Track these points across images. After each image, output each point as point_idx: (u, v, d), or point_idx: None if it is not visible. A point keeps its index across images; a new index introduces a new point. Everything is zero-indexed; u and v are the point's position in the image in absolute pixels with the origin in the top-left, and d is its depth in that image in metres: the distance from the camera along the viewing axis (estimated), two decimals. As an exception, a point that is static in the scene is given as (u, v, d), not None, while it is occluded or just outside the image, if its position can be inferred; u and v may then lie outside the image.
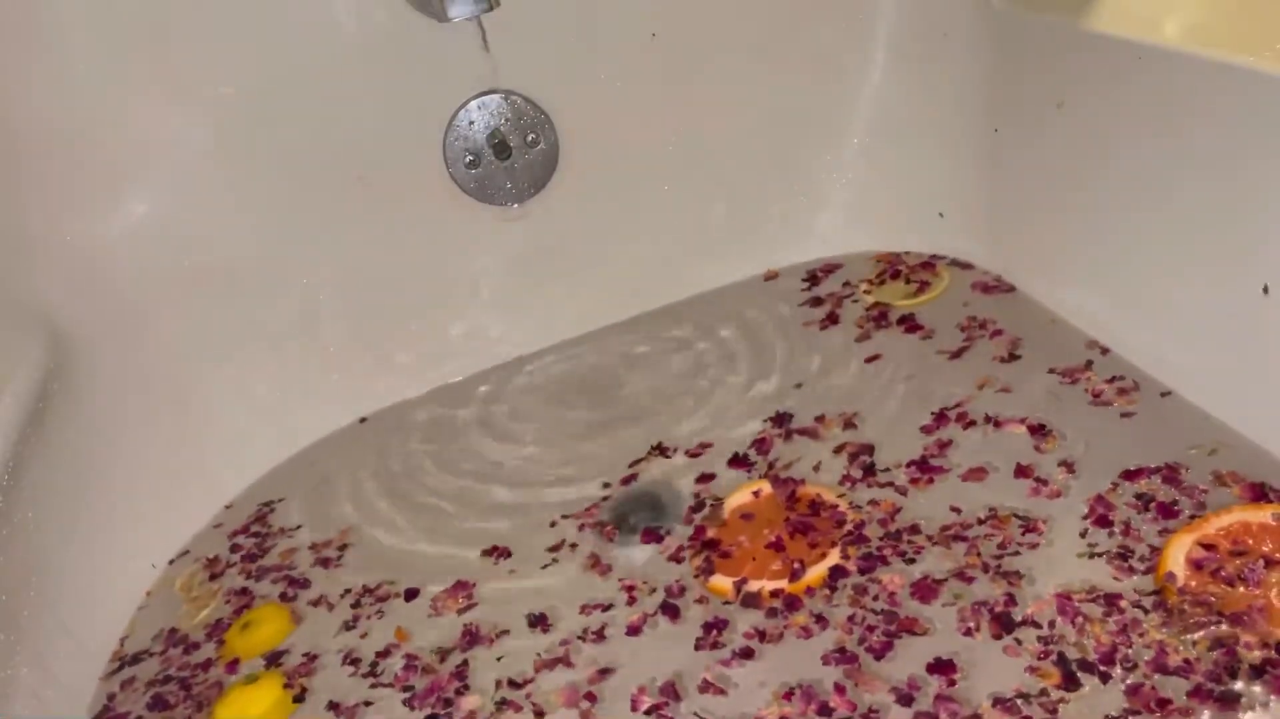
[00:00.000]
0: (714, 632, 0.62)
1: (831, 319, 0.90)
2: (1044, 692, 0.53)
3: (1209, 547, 0.59)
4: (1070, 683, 0.53)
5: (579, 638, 0.64)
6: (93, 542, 0.73)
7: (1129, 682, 0.53)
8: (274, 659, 0.68)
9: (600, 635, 0.64)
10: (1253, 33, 0.64)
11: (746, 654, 0.60)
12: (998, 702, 0.54)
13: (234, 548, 0.80)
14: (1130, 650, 0.54)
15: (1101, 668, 0.54)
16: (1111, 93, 0.73)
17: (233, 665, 0.68)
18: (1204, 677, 0.52)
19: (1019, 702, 0.53)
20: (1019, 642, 0.57)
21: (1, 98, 0.76)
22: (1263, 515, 0.60)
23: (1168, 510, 0.63)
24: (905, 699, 0.55)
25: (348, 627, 0.70)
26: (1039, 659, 0.55)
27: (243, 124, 0.84)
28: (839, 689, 0.56)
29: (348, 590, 0.73)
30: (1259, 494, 0.62)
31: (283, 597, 0.74)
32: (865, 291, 0.93)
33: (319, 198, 0.87)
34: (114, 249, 0.81)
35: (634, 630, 0.64)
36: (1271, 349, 0.64)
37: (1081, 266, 0.81)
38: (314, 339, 0.90)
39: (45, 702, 0.64)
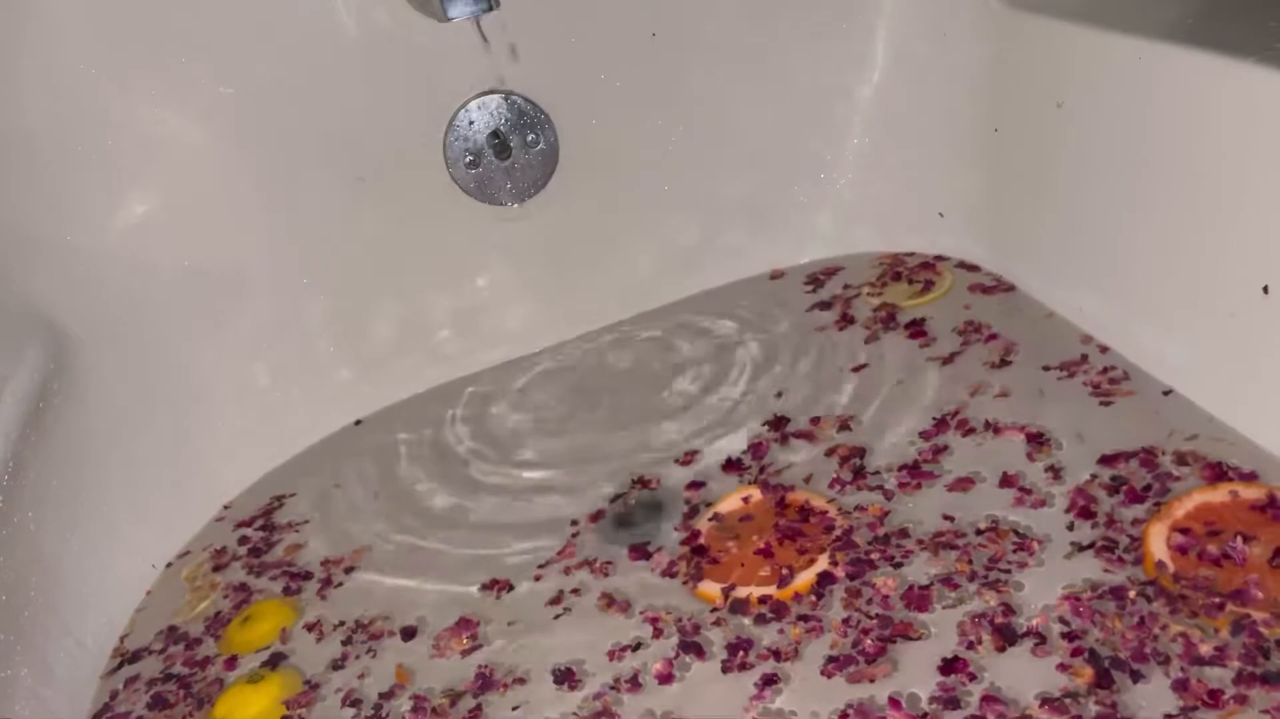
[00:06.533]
0: (740, 652, 0.60)
1: (844, 321, 0.90)
2: (1091, 689, 0.53)
3: (1184, 531, 0.60)
4: (1104, 680, 0.53)
5: (611, 688, 0.60)
6: (93, 542, 0.73)
7: (1173, 677, 0.53)
8: (276, 662, 0.68)
9: (635, 684, 0.60)
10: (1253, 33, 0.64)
11: (772, 680, 0.58)
12: (1045, 702, 0.53)
13: (242, 540, 0.81)
14: (1157, 645, 0.54)
15: (1134, 665, 0.54)
16: (1111, 93, 0.73)
17: (231, 662, 0.68)
18: (1241, 661, 0.52)
19: (1067, 700, 0.53)
20: (1043, 639, 0.56)
21: (1, 98, 0.76)
22: (1221, 494, 0.61)
23: (1136, 495, 0.64)
24: (951, 703, 0.54)
25: (337, 665, 0.67)
26: (1071, 657, 0.55)
27: (243, 124, 0.84)
28: (894, 703, 0.55)
29: (341, 623, 0.70)
30: (1218, 474, 0.64)
31: (285, 591, 0.74)
32: (870, 295, 0.93)
33: (319, 198, 0.87)
34: (114, 249, 0.81)
35: (665, 678, 0.60)
36: (1272, 349, 0.64)
37: (1081, 266, 0.81)
38: (313, 339, 0.90)
39: (45, 702, 0.64)
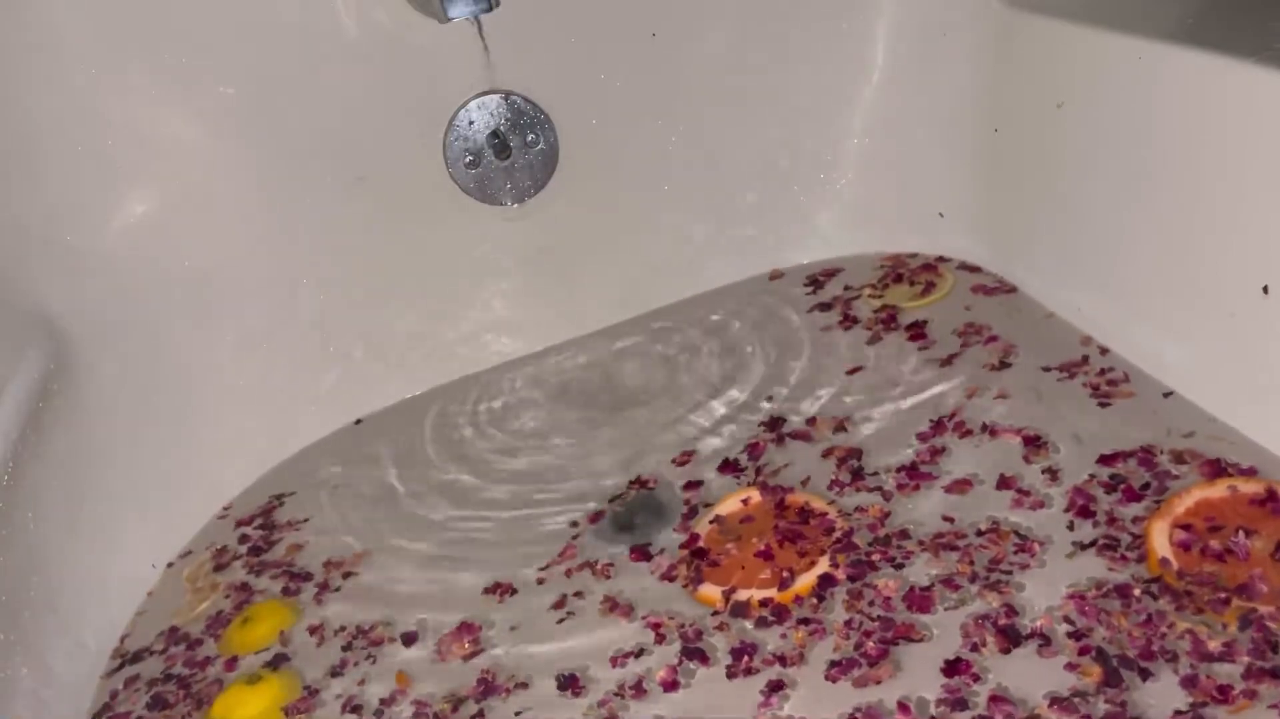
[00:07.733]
0: (744, 657, 0.60)
1: (844, 321, 0.90)
2: (1100, 688, 0.53)
3: (1186, 528, 0.60)
4: (1113, 678, 0.53)
5: (615, 694, 0.60)
6: (93, 542, 0.73)
7: (1182, 674, 0.53)
8: (277, 664, 0.68)
9: (640, 690, 0.60)
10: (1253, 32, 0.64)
11: (778, 686, 0.58)
12: (1054, 701, 0.53)
13: (242, 538, 0.81)
14: (1164, 642, 0.54)
15: (1142, 663, 0.54)
16: (1111, 93, 0.73)
17: (231, 663, 0.68)
18: (1250, 656, 0.52)
19: (1076, 700, 0.52)
20: (1048, 640, 0.56)
21: (1, 98, 0.76)
22: (1220, 490, 0.62)
23: (1134, 493, 0.64)
24: (959, 704, 0.54)
25: (337, 671, 0.66)
26: (1078, 656, 0.55)
27: (243, 124, 0.84)
28: (903, 708, 0.55)
29: (342, 628, 0.70)
30: (1217, 470, 0.64)
31: (285, 591, 0.74)
32: (871, 297, 0.93)
33: (319, 198, 0.87)
34: (114, 249, 0.81)
35: (670, 685, 0.60)
36: (1271, 349, 0.64)
37: (1081, 266, 0.81)
38: (313, 339, 0.90)
39: (45, 702, 0.64)
